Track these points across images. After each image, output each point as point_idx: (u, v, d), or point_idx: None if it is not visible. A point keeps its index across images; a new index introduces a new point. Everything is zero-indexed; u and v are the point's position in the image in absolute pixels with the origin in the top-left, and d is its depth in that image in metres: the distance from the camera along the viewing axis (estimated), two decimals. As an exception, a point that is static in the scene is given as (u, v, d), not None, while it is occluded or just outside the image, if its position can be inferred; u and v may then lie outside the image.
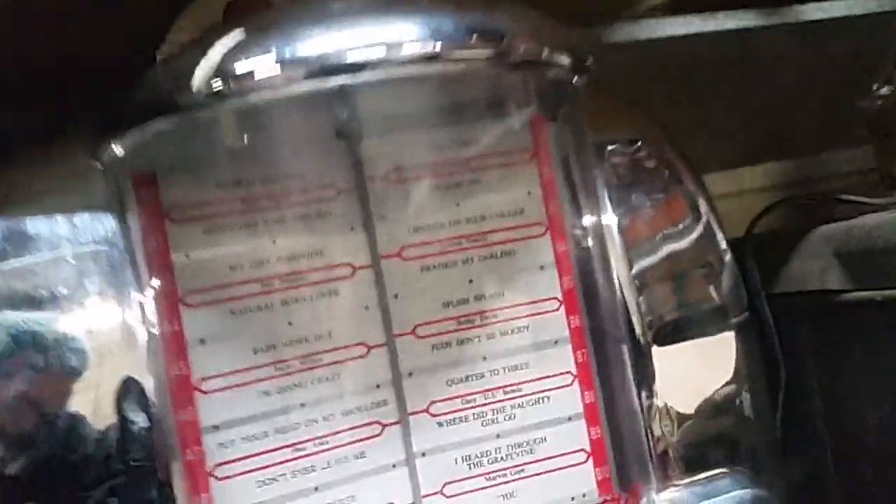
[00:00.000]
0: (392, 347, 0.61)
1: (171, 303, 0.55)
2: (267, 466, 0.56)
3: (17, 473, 0.46)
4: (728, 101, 0.87)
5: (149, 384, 0.52)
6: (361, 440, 0.59)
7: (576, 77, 0.58)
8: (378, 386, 0.60)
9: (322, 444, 0.57)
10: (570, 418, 0.64)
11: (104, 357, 0.52)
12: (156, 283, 0.54)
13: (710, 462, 0.66)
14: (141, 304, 0.53)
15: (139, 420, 0.52)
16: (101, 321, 0.52)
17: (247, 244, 0.57)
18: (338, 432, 0.58)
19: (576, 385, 0.64)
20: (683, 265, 0.69)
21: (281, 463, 0.57)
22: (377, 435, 0.59)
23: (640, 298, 0.66)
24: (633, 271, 0.66)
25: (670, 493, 0.63)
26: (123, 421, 0.51)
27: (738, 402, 0.68)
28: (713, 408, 0.67)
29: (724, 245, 0.71)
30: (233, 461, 0.55)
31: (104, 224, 0.53)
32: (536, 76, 0.59)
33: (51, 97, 0.54)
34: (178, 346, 0.54)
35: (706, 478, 0.65)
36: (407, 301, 0.62)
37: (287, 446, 0.56)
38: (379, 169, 0.61)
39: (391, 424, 0.60)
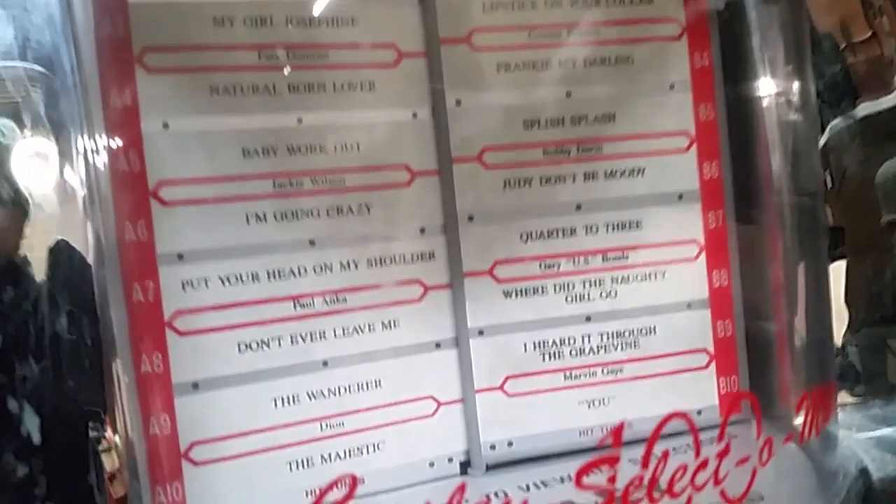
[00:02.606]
0: (447, 176, 0.46)
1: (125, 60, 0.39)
2: (253, 323, 0.39)
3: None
4: None
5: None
6: (394, 304, 0.45)
7: None
8: (423, 231, 0.44)
9: (336, 301, 0.40)
10: (690, 305, 0.46)
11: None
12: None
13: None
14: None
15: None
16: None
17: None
18: (360, 288, 0.41)
19: (702, 260, 0.45)
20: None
21: (274, 321, 0.43)
22: (417, 299, 0.44)
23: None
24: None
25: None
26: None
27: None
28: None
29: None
30: (203, 310, 0.41)
31: None
32: None
33: None
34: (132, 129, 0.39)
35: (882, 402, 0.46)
36: (473, 113, 0.46)
37: (286, 298, 0.40)
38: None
39: (438, 287, 0.45)
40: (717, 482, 0.37)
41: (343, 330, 0.43)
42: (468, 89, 0.45)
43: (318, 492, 0.33)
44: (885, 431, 0.46)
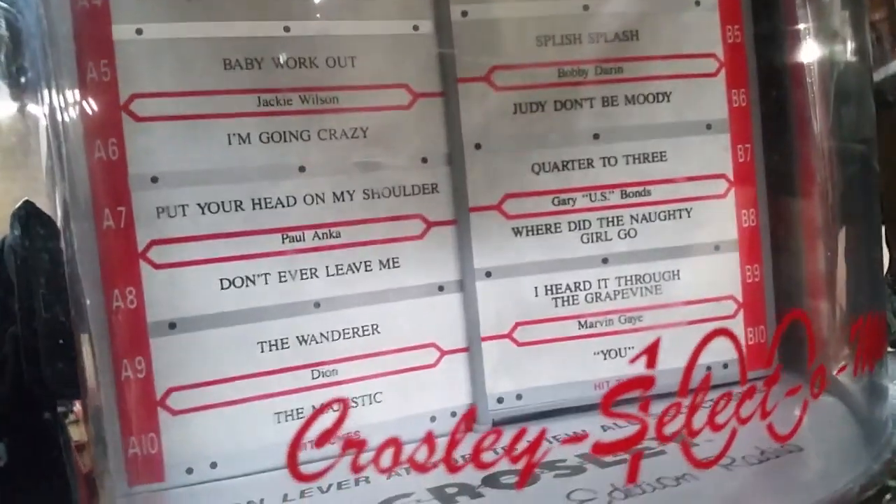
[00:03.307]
0: (452, 98, 0.42)
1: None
2: (237, 257, 0.36)
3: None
4: None
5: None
6: (393, 241, 0.41)
7: None
8: (425, 160, 0.41)
9: (329, 236, 0.36)
10: (717, 247, 0.42)
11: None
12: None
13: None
14: None
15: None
16: None
17: None
18: (355, 222, 0.37)
19: (731, 197, 0.42)
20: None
21: (260, 256, 0.39)
22: (418, 236, 0.40)
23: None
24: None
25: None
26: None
27: None
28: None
29: None
30: (180, 240, 0.38)
31: None
32: None
33: None
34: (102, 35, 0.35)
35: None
36: (480, 26, 0.42)
37: (273, 230, 0.36)
38: None
39: (441, 223, 0.42)
40: (764, 415, 0.33)
41: (336, 268, 0.39)
42: (475, -1, 0.40)
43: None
44: None
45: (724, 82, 0.45)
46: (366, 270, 0.40)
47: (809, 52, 0.44)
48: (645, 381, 0.29)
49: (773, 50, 0.45)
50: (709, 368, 0.43)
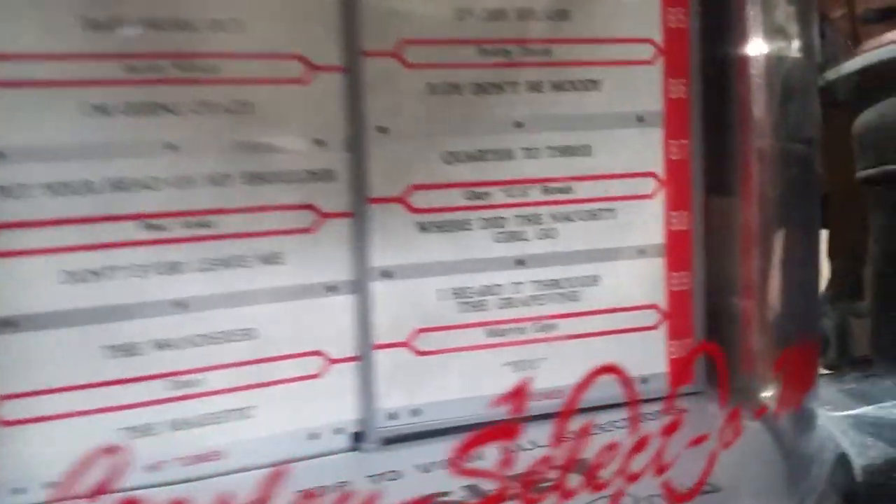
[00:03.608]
0: (355, 74, 0.37)
1: None
2: (87, 247, 0.32)
3: None
4: None
5: None
6: (277, 233, 0.36)
7: None
8: (320, 142, 0.37)
9: (200, 225, 0.31)
10: (642, 251, 0.38)
11: None
12: None
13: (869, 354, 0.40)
14: None
15: None
16: None
17: None
18: (233, 211, 0.34)
19: (660, 198, 0.37)
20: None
21: (115, 246, 0.33)
22: (308, 229, 0.37)
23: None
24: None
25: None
26: None
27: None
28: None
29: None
30: (21, 225, 0.32)
31: None
32: None
33: None
34: None
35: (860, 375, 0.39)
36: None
37: (132, 216, 0.30)
38: None
39: (335, 215, 0.37)
40: (659, 470, 0.29)
41: (208, 263, 0.34)
42: (385, -38, 0.35)
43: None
44: (865, 409, 0.39)
45: (660, 71, 0.40)
46: (242, 267, 0.35)
47: (756, 44, 0.40)
48: (509, 430, 0.25)
49: (718, 39, 0.41)
50: (618, 370, 0.39)
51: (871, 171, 0.49)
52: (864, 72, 0.53)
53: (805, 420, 0.38)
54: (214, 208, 0.34)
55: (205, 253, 0.34)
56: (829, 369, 0.42)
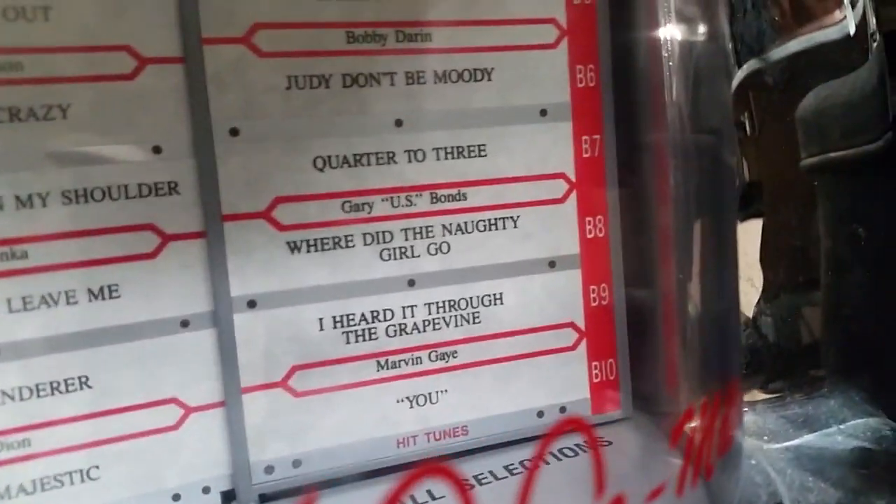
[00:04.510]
0: (196, 64, 0.32)
1: None
2: None
3: None
4: None
5: None
6: (111, 261, 0.31)
7: None
8: (158, 149, 0.32)
9: (12, 256, 0.26)
10: (553, 264, 0.33)
11: None
12: None
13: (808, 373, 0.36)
14: None
15: None
16: None
17: None
18: (51, 237, 0.30)
19: (572, 202, 0.32)
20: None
21: None
22: (149, 255, 0.32)
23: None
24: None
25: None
26: None
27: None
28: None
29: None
30: None
31: None
32: None
33: None
34: None
35: (800, 397, 0.34)
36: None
37: None
38: None
39: (183, 237, 0.32)
40: None
41: (23, 302, 0.28)
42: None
43: None
44: (808, 439, 0.34)
45: (566, 56, 0.35)
46: (69, 303, 0.29)
47: (661, 30, 0.35)
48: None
49: (629, 17, 0.36)
50: (540, 414, 0.35)
51: (813, 160, 0.44)
52: (801, 55, 0.49)
53: (728, 467, 0.33)
54: (26, 235, 0.28)
55: (19, 289, 0.28)
56: (771, 392, 0.37)
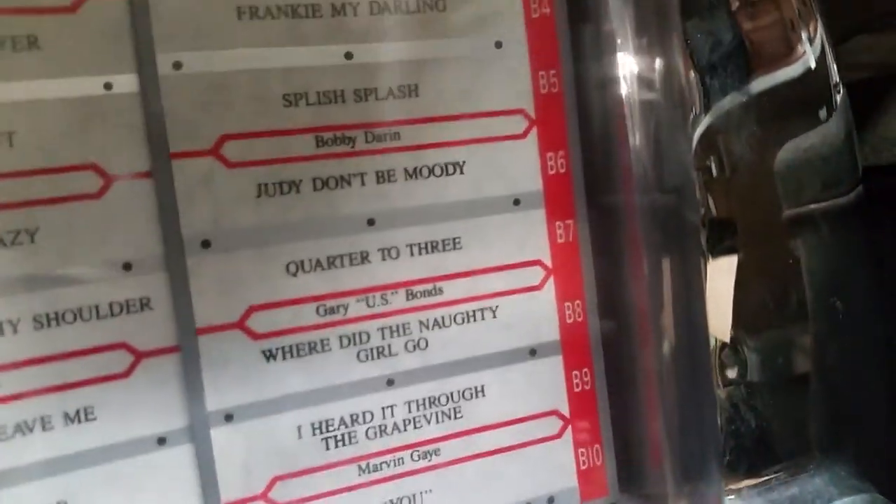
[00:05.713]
0: (164, 180, 0.32)
1: None
2: None
3: None
4: None
5: None
6: (83, 384, 0.31)
7: None
8: (128, 266, 0.32)
9: None
10: (533, 352, 0.33)
11: None
12: None
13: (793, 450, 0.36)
14: None
15: None
16: None
17: None
18: (22, 364, 0.30)
19: (550, 288, 0.33)
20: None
21: None
22: (123, 374, 0.32)
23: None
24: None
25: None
26: None
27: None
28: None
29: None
30: None
31: None
32: None
33: None
34: None
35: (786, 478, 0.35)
36: (199, 82, 0.33)
37: None
38: None
39: (157, 353, 0.32)
40: None
41: (-3, 432, 0.28)
42: (194, 45, 0.30)
43: None
44: None
45: (535, 145, 0.36)
46: (44, 430, 0.29)
47: (632, 99, 0.36)
48: None
49: (594, 99, 0.37)
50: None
51: (796, 211, 0.45)
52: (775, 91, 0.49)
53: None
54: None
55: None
56: (754, 476, 0.38)
